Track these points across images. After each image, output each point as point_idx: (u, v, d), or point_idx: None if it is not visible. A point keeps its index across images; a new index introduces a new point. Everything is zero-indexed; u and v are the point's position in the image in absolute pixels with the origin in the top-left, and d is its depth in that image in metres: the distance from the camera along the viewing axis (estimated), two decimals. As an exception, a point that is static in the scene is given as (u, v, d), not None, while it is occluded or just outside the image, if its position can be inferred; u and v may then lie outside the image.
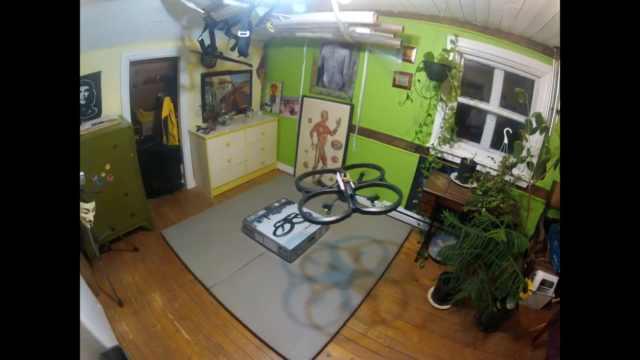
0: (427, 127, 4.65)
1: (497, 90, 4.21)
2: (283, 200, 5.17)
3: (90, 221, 3.27)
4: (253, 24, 3.82)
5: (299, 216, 4.68)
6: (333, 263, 4.23)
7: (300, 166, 6.33)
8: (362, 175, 3.51)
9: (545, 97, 3.76)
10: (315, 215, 2.87)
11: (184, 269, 4.07)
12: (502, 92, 4.19)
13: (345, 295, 3.77)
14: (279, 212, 4.82)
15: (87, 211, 3.24)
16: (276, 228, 4.45)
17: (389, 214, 5.14)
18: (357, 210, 2.67)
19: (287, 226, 4.51)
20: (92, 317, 2.45)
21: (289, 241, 4.21)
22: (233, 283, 3.83)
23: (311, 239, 4.43)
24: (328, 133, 5.79)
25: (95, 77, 4.20)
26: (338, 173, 3.09)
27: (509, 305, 3.23)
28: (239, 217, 4.77)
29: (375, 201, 3.26)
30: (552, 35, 3.34)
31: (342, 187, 2.89)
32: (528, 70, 3.84)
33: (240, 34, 3.63)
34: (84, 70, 4.06)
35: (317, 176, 3.84)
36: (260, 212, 4.78)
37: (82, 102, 4.13)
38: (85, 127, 3.87)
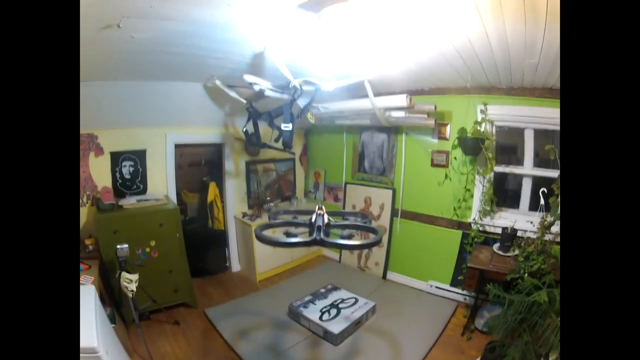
0: (467, 202, 4.65)
1: (530, 151, 4.24)
2: (329, 286, 5.12)
3: (132, 291, 3.41)
4: (295, 116, 3.97)
5: (346, 301, 4.67)
6: (379, 345, 4.09)
7: (346, 252, 6.29)
8: (345, 219, 3.29)
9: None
10: (272, 237, 2.50)
11: (226, 347, 4.01)
12: (534, 151, 4.21)
13: (391, 376, 3.60)
14: (325, 298, 4.77)
15: (130, 281, 3.40)
16: (322, 313, 4.39)
17: (435, 292, 5.08)
18: (320, 241, 2.40)
19: (334, 311, 4.44)
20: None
21: (335, 325, 4.13)
22: (276, 365, 3.76)
23: (357, 322, 4.32)
24: (372, 218, 5.80)
25: (140, 154, 4.55)
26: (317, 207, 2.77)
27: (551, 358, 3.03)
28: (284, 302, 4.74)
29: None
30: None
31: (313, 219, 2.55)
32: (555, 122, 3.86)
33: (284, 127, 3.77)
34: (129, 145, 4.44)
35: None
36: (307, 298, 4.75)
37: (127, 176, 4.46)
38: (130, 202, 4.16)
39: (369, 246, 2.59)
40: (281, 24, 2.68)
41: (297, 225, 2.77)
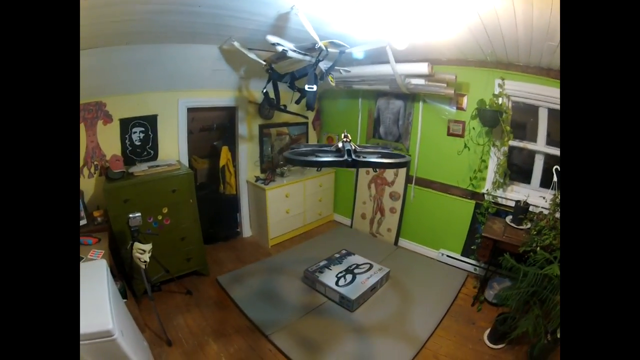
0: (481, 172, 4.64)
1: (543, 129, 4.25)
2: (343, 252, 5.14)
3: (145, 262, 3.34)
4: (318, 78, 3.88)
5: (360, 267, 4.69)
6: (393, 312, 4.13)
7: (357, 217, 6.32)
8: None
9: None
10: (303, 157, 2.66)
11: (240, 315, 4.03)
12: (547, 130, 4.23)
13: (405, 342, 3.65)
14: (340, 263, 4.79)
15: (143, 252, 3.33)
16: (338, 279, 4.40)
17: (445, 261, 5.19)
18: (352, 161, 2.49)
19: (349, 277, 4.46)
20: (137, 352, 2.47)
21: (351, 291, 4.16)
22: (293, 331, 3.76)
23: (373, 288, 4.36)
24: (386, 184, 5.80)
25: (151, 120, 4.46)
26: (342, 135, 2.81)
27: (559, 335, 3.10)
28: (297, 267, 4.78)
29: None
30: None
31: (340, 146, 2.65)
32: None
33: (308, 88, 3.65)
34: (139, 111, 4.33)
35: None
36: (322, 263, 4.76)
37: (137, 143, 4.38)
38: (141, 169, 4.06)
39: (399, 165, 2.62)
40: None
41: (326, 152, 2.80)
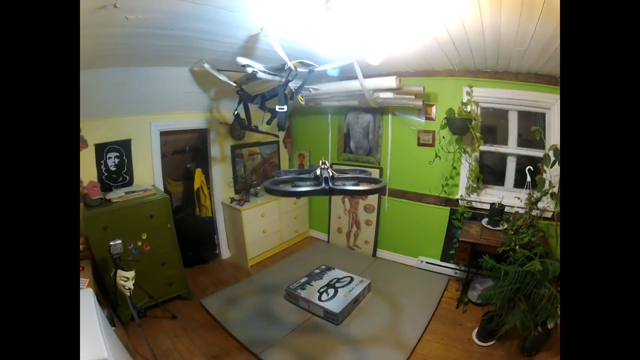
0: (454, 179, 4.77)
1: (514, 131, 4.43)
2: (323, 267, 5.17)
3: (129, 289, 3.31)
4: (288, 98, 3.91)
5: (341, 280, 4.73)
6: (379, 321, 4.16)
7: (334, 232, 6.36)
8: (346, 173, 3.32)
9: (557, 128, 3.99)
10: (282, 187, 2.61)
11: (228, 337, 3.99)
12: (517, 131, 4.41)
13: (394, 349, 3.69)
14: (321, 279, 4.82)
15: (127, 279, 3.30)
16: (320, 294, 4.43)
17: (425, 268, 5.24)
18: (330, 189, 2.46)
19: (331, 291, 4.49)
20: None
21: (335, 305, 4.18)
22: (282, 348, 3.75)
23: (356, 301, 4.39)
24: (360, 198, 5.85)
25: (126, 145, 4.41)
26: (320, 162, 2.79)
27: (550, 325, 3.25)
28: (278, 285, 4.78)
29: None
30: (556, 64, 3.56)
31: (318, 173, 2.61)
32: (538, 105, 4.10)
33: (279, 108, 3.65)
34: (113, 136, 4.28)
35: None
36: (303, 280, 4.78)
37: (112, 168, 4.32)
38: (118, 195, 4.00)
39: (375, 191, 2.65)
40: (281, 4, 2.62)
41: (305, 180, 2.76)
